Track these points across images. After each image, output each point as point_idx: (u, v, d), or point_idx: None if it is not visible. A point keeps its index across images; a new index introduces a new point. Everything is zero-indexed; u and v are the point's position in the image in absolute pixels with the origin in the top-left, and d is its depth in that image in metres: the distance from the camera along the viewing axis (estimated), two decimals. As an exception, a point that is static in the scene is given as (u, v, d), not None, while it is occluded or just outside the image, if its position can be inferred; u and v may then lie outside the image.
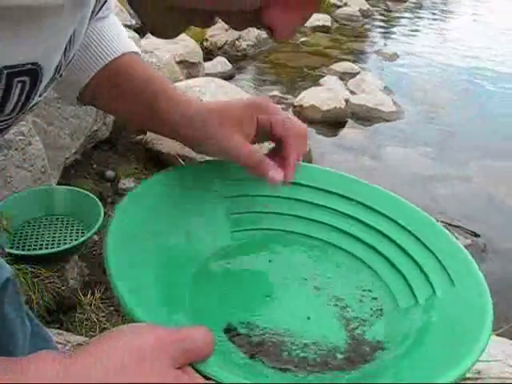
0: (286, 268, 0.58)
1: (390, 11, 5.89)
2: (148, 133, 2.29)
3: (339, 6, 5.53)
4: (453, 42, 4.90)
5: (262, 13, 0.35)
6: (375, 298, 0.56)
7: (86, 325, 1.44)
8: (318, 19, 4.92)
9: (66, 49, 0.40)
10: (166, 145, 2.22)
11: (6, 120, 0.40)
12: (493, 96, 3.74)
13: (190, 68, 3.14)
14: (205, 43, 4.00)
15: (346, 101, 3.28)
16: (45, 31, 0.35)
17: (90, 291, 1.52)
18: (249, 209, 0.63)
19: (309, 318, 0.52)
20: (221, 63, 3.70)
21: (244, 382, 0.39)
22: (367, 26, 5.29)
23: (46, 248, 1.50)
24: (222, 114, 0.56)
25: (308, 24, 4.78)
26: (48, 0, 0.32)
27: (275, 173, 0.55)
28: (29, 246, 1.50)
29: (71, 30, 0.39)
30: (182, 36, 2.91)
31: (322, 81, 3.65)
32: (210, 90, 2.51)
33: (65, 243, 1.51)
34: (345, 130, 3.14)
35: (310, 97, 3.22)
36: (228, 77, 3.58)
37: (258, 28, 0.38)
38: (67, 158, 1.98)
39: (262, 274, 0.55)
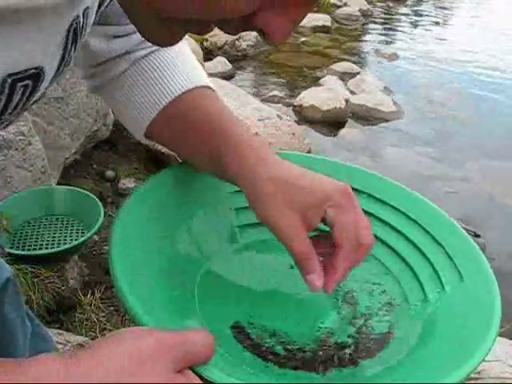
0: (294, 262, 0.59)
1: (390, 11, 5.89)
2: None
3: (339, 6, 5.53)
4: (453, 42, 4.90)
5: (255, 17, 0.35)
6: (384, 291, 0.56)
7: (86, 325, 1.43)
8: (318, 19, 4.92)
9: (66, 44, 0.40)
10: (166, 145, 2.22)
11: (6, 118, 0.40)
12: (493, 96, 3.74)
13: (189, 68, 3.14)
14: (205, 43, 4.00)
15: (346, 101, 3.28)
16: (44, 32, 0.35)
17: (90, 291, 1.51)
18: None
19: (318, 313, 0.52)
20: (221, 63, 3.70)
21: (242, 383, 0.39)
22: (367, 26, 5.29)
23: (46, 248, 1.50)
24: (289, 193, 0.48)
25: (308, 24, 4.78)
26: (47, 1, 0.32)
27: (315, 278, 0.48)
28: (29, 246, 1.50)
29: (67, 26, 0.38)
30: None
31: (322, 81, 3.65)
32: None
33: (65, 243, 1.51)
34: (345, 129, 3.14)
35: (310, 97, 3.22)
36: (228, 77, 3.58)
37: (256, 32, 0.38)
38: (67, 158, 1.98)
39: (270, 270, 0.55)
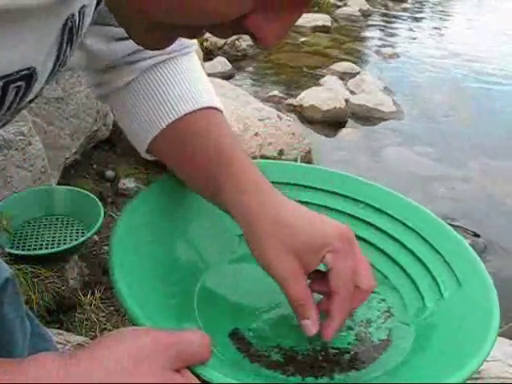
0: None
1: (390, 11, 5.89)
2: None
3: (339, 6, 5.53)
4: (453, 42, 4.90)
5: (246, 21, 0.34)
6: (383, 300, 0.56)
7: (86, 325, 1.44)
8: (318, 19, 4.91)
9: (61, 43, 0.40)
10: (166, 145, 2.22)
11: (1, 118, 0.40)
12: (493, 96, 3.74)
13: (190, 68, 3.14)
14: (205, 43, 4.00)
15: (346, 101, 3.28)
16: (36, 32, 0.35)
17: (90, 291, 1.51)
18: None
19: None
20: (221, 63, 3.70)
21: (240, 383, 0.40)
22: (367, 26, 5.29)
23: (46, 248, 1.50)
24: (287, 236, 0.47)
25: (308, 24, 4.78)
26: (38, 0, 0.32)
27: (310, 325, 0.47)
28: (29, 246, 1.50)
29: (61, 26, 0.38)
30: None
31: (321, 81, 3.65)
32: (210, 90, 2.51)
33: (65, 243, 1.51)
34: (345, 129, 3.14)
35: (310, 97, 3.22)
36: (228, 77, 3.58)
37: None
38: (67, 158, 1.98)
39: (268, 279, 0.55)
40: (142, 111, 0.57)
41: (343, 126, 3.16)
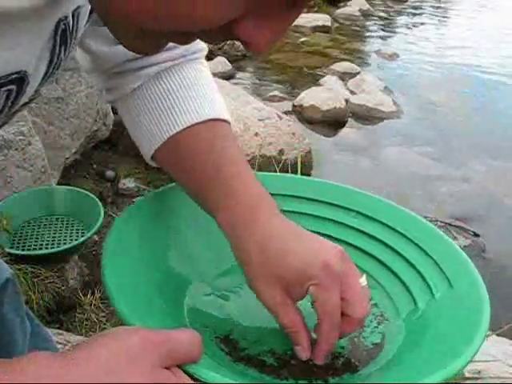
0: None
1: (390, 11, 5.89)
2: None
3: (339, 6, 5.53)
4: (453, 42, 4.90)
5: (237, 26, 0.33)
6: (376, 304, 0.57)
7: (86, 325, 1.44)
8: (318, 19, 4.92)
9: (54, 46, 0.39)
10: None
11: None
12: (493, 96, 3.74)
13: (190, 68, 3.14)
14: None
15: (346, 101, 3.28)
16: (25, 35, 0.34)
17: (90, 291, 1.52)
18: None
19: (310, 324, 0.53)
20: (221, 63, 3.71)
21: (233, 383, 0.40)
22: (367, 26, 5.29)
23: (46, 248, 1.50)
24: (275, 267, 0.48)
25: (308, 24, 4.78)
26: (23, 3, 0.31)
27: (302, 351, 0.48)
28: (29, 246, 1.51)
29: (52, 28, 0.38)
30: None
31: (321, 81, 3.65)
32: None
33: (65, 243, 1.52)
34: (345, 129, 3.14)
35: (310, 97, 3.22)
36: (228, 77, 3.58)
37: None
38: (67, 158, 1.99)
39: None
40: (146, 121, 0.57)
41: (343, 126, 3.16)
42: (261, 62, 4.04)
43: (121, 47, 0.56)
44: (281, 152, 2.42)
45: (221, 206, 0.52)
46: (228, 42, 4.05)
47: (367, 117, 3.25)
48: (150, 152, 0.57)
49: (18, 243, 1.51)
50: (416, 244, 0.59)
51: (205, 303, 0.55)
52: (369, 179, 2.61)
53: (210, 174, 0.53)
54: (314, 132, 3.05)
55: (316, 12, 5.11)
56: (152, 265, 0.54)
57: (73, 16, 0.39)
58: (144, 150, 0.58)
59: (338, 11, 5.42)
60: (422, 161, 2.86)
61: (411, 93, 3.68)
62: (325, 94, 3.23)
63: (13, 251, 1.42)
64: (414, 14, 5.89)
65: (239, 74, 3.79)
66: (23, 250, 1.48)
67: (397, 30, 5.29)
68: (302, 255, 0.48)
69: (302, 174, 1.66)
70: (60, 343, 1.21)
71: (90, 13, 0.44)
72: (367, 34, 5.08)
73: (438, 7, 6.26)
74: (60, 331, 1.33)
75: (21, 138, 1.58)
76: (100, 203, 1.57)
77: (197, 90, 0.57)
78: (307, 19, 4.81)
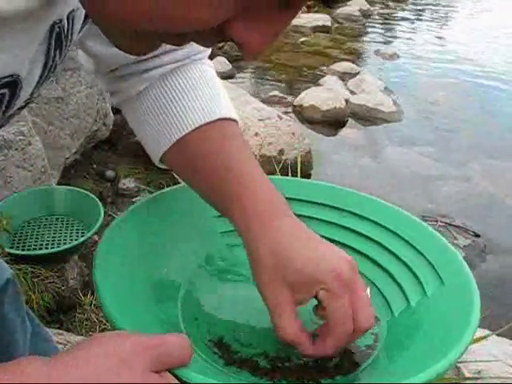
0: None
1: (390, 11, 5.89)
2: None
3: (339, 6, 5.53)
4: (453, 42, 4.90)
5: (229, 28, 0.33)
6: None
7: (86, 325, 1.44)
8: (318, 19, 4.92)
9: (48, 49, 0.39)
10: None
11: None
12: (493, 96, 3.75)
13: (189, 68, 3.14)
14: (205, 43, 4.00)
15: (346, 101, 3.28)
16: (19, 38, 0.34)
17: (90, 291, 1.51)
18: None
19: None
20: (221, 63, 3.71)
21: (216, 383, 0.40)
22: (367, 26, 5.29)
23: (46, 248, 1.50)
24: (284, 270, 0.47)
25: (308, 24, 4.78)
26: (19, 6, 0.31)
27: (302, 351, 0.48)
28: (29, 246, 1.51)
29: (46, 32, 0.38)
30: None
31: (321, 81, 3.65)
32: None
33: (65, 243, 1.51)
34: (345, 129, 3.14)
35: (310, 97, 3.22)
36: (228, 77, 3.59)
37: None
38: (67, 158, 1.99)
39: (254, 290, 0.56)
40: (153, 123, 0.56)
41: (343, 126, 3.16)
42: (261, 62, 4.04)
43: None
44: (281, 152, 2.42)
45: (233, 207, 0.51)
46: (228, 42, 4.05)
47: (367, 117, 3.25)
48: (159, 154, 0.57)
49: (18, 243, 1.51)
50: (407, 242, 0.59)
51: (198, 306, 0.55)
52: (369, 179, 2.61)
53: (221, 174, 0.53)
54: (314, 132, 3.05)
55: (316, 12, 5.11)
56: (145, 267, 0.54)
57: (67, 19, 0.39)
58: (153, 153, 0.58)
59: (338, 11, 5.43)
60: (422, 161, 2.86)
61: (411, 93, 3.68)
62: (325, 94, 3.23)
63: (13, 251, 1.42)
64: (414, 14, 5.89)
65: (239, 74, 3.79)
66: (23, 250, 1.48)
67: (397, 29, 5.29)
68: (314, 260, 0.47)
69: (302, 173, 1.65)
70: (60, 343, 1.21)
71: (86, 16, 0.44)
72: (367, 34, 5.08)
73: (438, 7, 6.26)
74: (60, 331, 1.33)
75: (21, 138, 1.58)
76: (100, 203, 1.57)
77: (203, 90, 0.57)
78: (307, 19, 4.82)
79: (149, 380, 0.36)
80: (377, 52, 4.50)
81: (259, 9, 0.33)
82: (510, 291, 1.94)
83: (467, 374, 1.18)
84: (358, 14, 5.42)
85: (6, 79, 0.36)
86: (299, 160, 1.71)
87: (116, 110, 2.14)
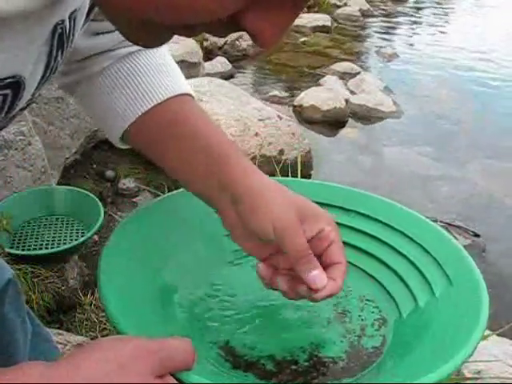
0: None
1: (390, 11, 5.89)
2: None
3: (339, 6, 5.53)
4: (453, 42, 4.90)
5: (243, 18, 0.33)
6: (377, 307, 0.57)
7: (86, 325, 1.44)
8: (318, 19, 4.91)
9: (51, 50, 0.39)
10: (166, 145, 2.22)
11: None
12: (493, 96, 3.74)
13: (189, 68, 3.14)
14: (205, 43, 4.00)
15: (346, 101, 3.28)
16: (22, 39, 0.34)
17: (90, 291, 1.51)
18: None
19: (309, 329, 0.53)
20: (221, 63, 3.70)
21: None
22: (367, 26, 5.29)
23: (46, 248, 1.50)
24: (290, 196, 0.51)
25: (308, 24, 4.78)
26: (19, 6, 0.31)
27: (319, 274, 0.48)
28: (29, 246, 1.50)
29: (49, 32, 0.38)
30: (182, 36, 2.89)
31: (321, 81, 3.65)
32: (210, 90, 2.51)
33: (65, 243, 1.51)
34: (345, 129, 3.14)
35: (310, 97, 3.22)
36: (228, 77, 3.58)
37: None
38: (67, 158, 1.98)
39: (260, 292, 0.55)
40: (118, 98, 0.57)
41: (343, 126, 3.16)
42: (261, 61, 4.04)
43: (100, 38, 0.56)
44: (281, 152, 2.42)
45: (213, 169, 0.53)
46: (228, 42, 4.05)
47: (367, 117, 3.25)
48: (122, 129, 0.57)
49: (18, 243, 1.50)
50: (416, 242, 0.59)
51: (203, 309, 0.55)
52: (369, 179, 2.61)
53: (188, 143, 0.55)
54: (314, 132, 3.05)
55: (316, 12, 5.11)
56: (150, 271, 0.54)
57: (69, 19, 0.39)
58: (114, 129, 0.58)
59: (338, 11, 5.42)
60: (421, 161, 2.86)
61: (411, 93, 3.68)
62: (325, 94, 3.23)
63: (13, 251, 1.42)
64: (414, 14, 5.89)
65: (239, 74, 3.79)
66: (23, 250, 1.48)
67: (397, 29, 5.29)
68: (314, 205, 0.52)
69: (302, 174, 1.65)
70: (60, 343, 1.21)
71: (87, 15, 0.44)
72: (367, 34, 5.08)
73: (438, 7, 6.26)
74: (60, 331, 1.33)
75: (21, 138, 1.58)
76: (100, 203, 1.57)
77: (167, 67, 0.59)
78: (307, 19, 4.81)
79: None
80: (377, 52, 4.49)
81: (265, 1, 0.33)
82: (510, 291, 1.94)
83: (467, 374, 1.18)
84: (358, 13, 5.42)
85: (9, 80, 0.36)
86: (299, 160, 1.71)
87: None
